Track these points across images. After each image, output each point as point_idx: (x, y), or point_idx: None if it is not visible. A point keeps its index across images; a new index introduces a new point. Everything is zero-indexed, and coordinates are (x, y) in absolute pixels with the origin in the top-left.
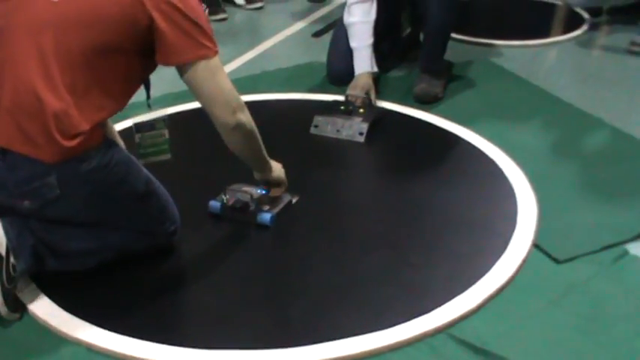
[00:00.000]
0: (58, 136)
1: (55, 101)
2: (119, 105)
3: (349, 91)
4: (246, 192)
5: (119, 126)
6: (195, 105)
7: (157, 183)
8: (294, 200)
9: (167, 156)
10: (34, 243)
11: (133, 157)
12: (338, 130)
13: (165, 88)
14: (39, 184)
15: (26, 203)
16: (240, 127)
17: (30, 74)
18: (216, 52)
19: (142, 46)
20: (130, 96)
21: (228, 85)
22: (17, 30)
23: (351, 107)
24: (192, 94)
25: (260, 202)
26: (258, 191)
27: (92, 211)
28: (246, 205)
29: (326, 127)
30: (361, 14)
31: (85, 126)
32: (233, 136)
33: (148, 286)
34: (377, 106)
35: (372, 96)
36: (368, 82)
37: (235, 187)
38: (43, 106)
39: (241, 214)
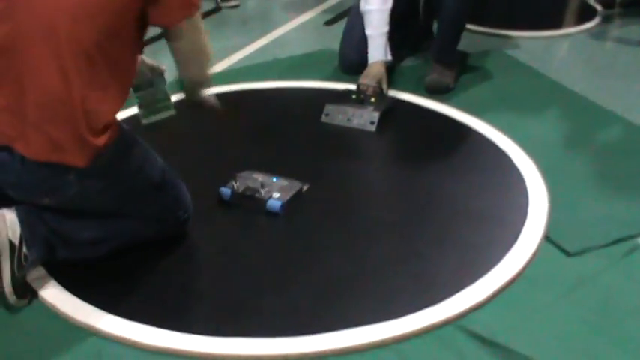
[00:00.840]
0: (89, 137)
1: (81, 101)
2: (129, 83)
3: (361, 80)
4: (256, 179)
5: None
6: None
7: (171, 171)
8: (304, 188)
9: (171, 112)
10: (47, 233)
11: (148, 146)
12: (349, 119)
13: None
14: (59, 183)
15: (45, 200)
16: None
17: (52, 81)
18: (199, 9)
19: (140, 12)
20: (135, 69)
21: (206, 42)
22: (29, 35)
23: (362, 96)
24: (172, 47)
25: (271, 189)
26: (270, 179)
27: (108, 202)
28: (256, 192)
29: (337, 115)
30: (378, 2)
31: (110, 117)
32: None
33: (157, 272)
34: (389, 96)
35: (384, 85)
36: (381, 70)
37: (245, 174)
38: (72, 110)
39: (251, 201)
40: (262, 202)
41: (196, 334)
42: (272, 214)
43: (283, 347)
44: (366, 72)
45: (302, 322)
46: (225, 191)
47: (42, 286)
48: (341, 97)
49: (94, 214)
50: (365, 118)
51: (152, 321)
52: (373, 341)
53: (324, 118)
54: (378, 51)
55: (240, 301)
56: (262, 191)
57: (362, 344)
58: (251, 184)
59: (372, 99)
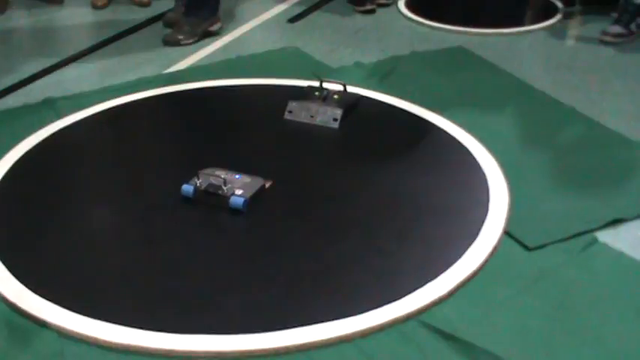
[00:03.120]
0: None
1: None
2: None
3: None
4: (219, 176)
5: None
6: (172, 89)
7: None
8: (267, 185)
9: None
10: None
11: None
12: (312, 116)
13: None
14: None
15: None
16: None
17: None
18: None
19: None
20: None
21: None
22: None
23: (325, 93)
24: None
25: (234, 186)
26: (232, 176)
27: None
28: (219, 188)
29: (300, 112)
30: None
31: None
32: None
33: (119, 270)
34: (351, 93)
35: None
36: None
37: (208, 171)
38: None
39: (214, 197)
40: (225, 198)
41: (159, 331)
42: (235, 211)
43: (246, 344)
44: None
45: (265, 319)
46: (188, 188)
47: (3, 284)
48: (304, 94)
49: None
50: (328, 115)
51: (115, 319)
52: (335, 337)
53: (287, 115)
54: None
55: (203, 298)
56: (225, 188)
57: (324, 340)
58: (214, 181)
59: (335, 96)
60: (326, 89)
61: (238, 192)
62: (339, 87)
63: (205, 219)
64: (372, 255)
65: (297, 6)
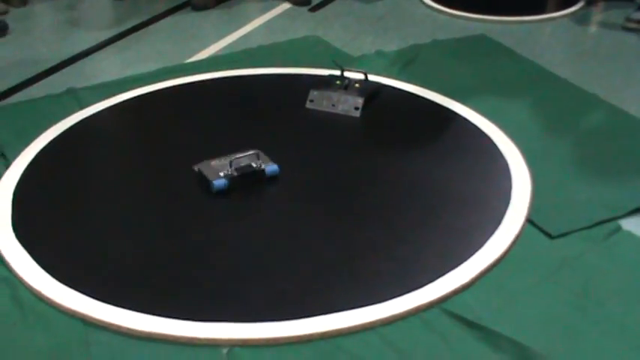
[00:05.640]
0: None
1: None
2: None
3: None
4: (238, 159)
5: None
6: (194, 79)
7: None
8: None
9: None
10: None
11: None
12: (333, 105)
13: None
14: None
15: None
16: None
17: None
18: None
19: None
20: None
21: None
22: None
23: (346, 82)
24: None
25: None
26: (232, 157)
27: None
28: (249, 167)
29: (321, 101)
30: None
31: None
32: None
33: (142, 259)
34: (373, 81)
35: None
36: None
37: (213, 162)
38: None
39: (250, 176)
40: (262, 171)
41: (182, 319)
42: (272, 179)
43: (269, 332)
44: None
45: (287, 307)
46: (220, 182)
47: (28, 273)
48: (325, 83)
49: None
50: (349, 104)
51: (138, 306)
52: (358, 324)
53: (308, 104)
54: None
55: (226, 286)
56: (254, 163)
57: (347, 328)
58: (242, 163)
59: (357, 85)
60: (347, 78)
61: (272, 165)
62: (360, 76)
63: (228, 207)
64: (395, 243)
65: None
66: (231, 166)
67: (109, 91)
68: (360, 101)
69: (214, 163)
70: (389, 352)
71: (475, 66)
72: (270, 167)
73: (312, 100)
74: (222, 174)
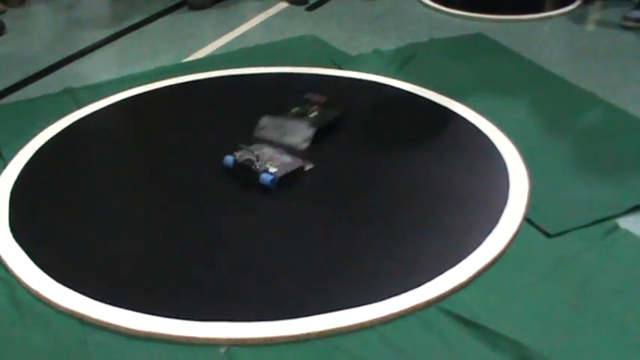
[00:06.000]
0: None
1: None
2: None
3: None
4: (263, 152)
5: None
6: (191, 78)
7: None
8: (306, 167)
9: None
10: None
11: None
12: (283, 134)
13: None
14: None
15: None
16: None
17: None
18: None
19: None
20: None
21: None
22: None
23: (306, 109)
24: None
25: (272, 163)
26: (276, 154)
27: None
28: (252, 164)
29: (271, 130)
30: None
31: None
32: None
33: (140, 258)
34: (332, 111)
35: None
36: None
37: (255, 146)
38: None
39: (247, 172)
40: (256, 174)
41: (180, 318)
42: (265, 188)
43: (267, 331)
44: None
45: (285, 306)
46: (229, 159)
47: (26, 273)
48: (283, 108)
49: None
50: (299, 135)
51: (137, 306)
52: (356, 324)
53: (256, 133)
54: None
55: (224, 285)
56: (257, 164)
57: (345, 327)
58: (250, 156)
59: (314, 114)
60: (309, 104)
61: (272, 170)
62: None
63: (226, 207)
64: (393, 242)
65: None
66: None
67: (106, 90)
68: (309, 133)
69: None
70: (387, 351)
71: (473, 65)
72: (265, 176)
73: (262, 128)
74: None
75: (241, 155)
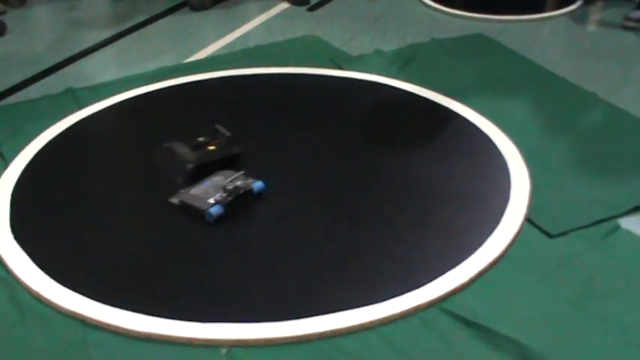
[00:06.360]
0: None
1: None
2: None
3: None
4: (229, 183)
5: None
6: (192, 79)
7: None
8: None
9: None
10: None
11: None
12: (167, 160)
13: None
14: None
15: None
16: None
17: None
18: None
19: None
20: None
21: None
22: None
23: (208, 139)
24: None
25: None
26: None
27: None
28: (239, 188)
29: (164, 155)
30: None
31: None
32: None
33: (141, 259)
34: (233, 147)
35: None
36: None
37: (196, 188)
38: None
39: (241, 198)
40: (251, 191)
41: (181, 319)
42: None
43: (267, 332)
44: None
45: (286, 307)
46: (216, 209)
47: (26, 274)
48: (190, 135)
49: None
50: (177, 167)
51: (137, 307)
52: (357, 324)
53: (156, 154)
54: None
55: (224, 287)
56: (240, 184)
57: (346, 327)
58: (230, 187)
59: (211, 147)
60: (214, 135)
61: (257, 182)
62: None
63: (226, 208)
64: (394, 243)
65: None
66: (224, 190)
67: (107, 91)
68: (187, 169)
69: (194, 191)
70: (388, 352)
71: (474, 65)
72: (257, 184)
73: (161, 150)
74: (212, 200)
75: (224, 194)
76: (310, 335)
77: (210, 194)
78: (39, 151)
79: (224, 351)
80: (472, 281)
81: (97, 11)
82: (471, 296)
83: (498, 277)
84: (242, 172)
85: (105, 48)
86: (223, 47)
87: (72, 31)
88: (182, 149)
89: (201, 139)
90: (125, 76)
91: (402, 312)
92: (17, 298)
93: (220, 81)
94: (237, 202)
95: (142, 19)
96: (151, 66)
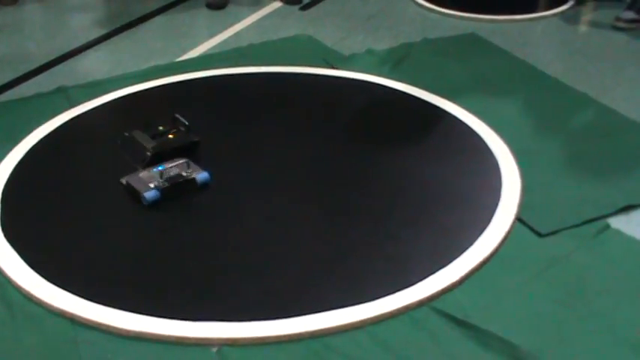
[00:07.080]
0: None
1: None
2: None
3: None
4: (170, 168)
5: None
6: (184, 77)
7: None
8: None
9: None
10: None
11: None
12: (127, 149)
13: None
14: None
15: None
16: None
17: None
18: None
19: None
20: None
21: None
22: None
23: (167, 128)
24: None
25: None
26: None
27: None
28: (180, 176)
29: (129, 143)
30: None
31: None
32: None
33: (131, 258)
34: (192, 135)
35: None
36: None
37: (142, 174)
38: None
39: (180, 186)
40: (193, 180)
41: (171, 318)
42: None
43: (258, 331)
44: None
45: (277, 306)
46: (152, 194)
47: (16, 272)
48: (150, 124)
49: None
50: (137, 155)
51: (127, 306)
52: (348, 323)
53: (118, 143)
54: None
55: (215, 286)
56: (184, 172)
57: (336, 326)
58: (172, 173)
59: (170, 135)
60: (174, 124)
61: (202, 173)
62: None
63: (218, 205)
64: (385, 241)
65: None
66: (161, 177)
67: (99, 89)
68: (144, 157)
69: (143, 174)
70: (378, 351)
71: (466, 65)
72: (201, 175)
73: (124, 137)
74: (152, 185)
75: (162, 180)
76: (301, 334)
77: (154, 179)
78: (30, 149)
79: (214, 350)
80: (463, 280)
81: (89, 9)
82: (462, 295)
83: (489, 276)
84: (184, 161)
85: (97, 46)
86: (216, 46)
87: (64, 29)
88: (142, 137)
89: (161, 127)
90: (117, 74)
91: (392, 311)
92: (7, 296)
93: (213, 79)
94: (177, 190)
95: (134, 17)
96: (144, 64)
